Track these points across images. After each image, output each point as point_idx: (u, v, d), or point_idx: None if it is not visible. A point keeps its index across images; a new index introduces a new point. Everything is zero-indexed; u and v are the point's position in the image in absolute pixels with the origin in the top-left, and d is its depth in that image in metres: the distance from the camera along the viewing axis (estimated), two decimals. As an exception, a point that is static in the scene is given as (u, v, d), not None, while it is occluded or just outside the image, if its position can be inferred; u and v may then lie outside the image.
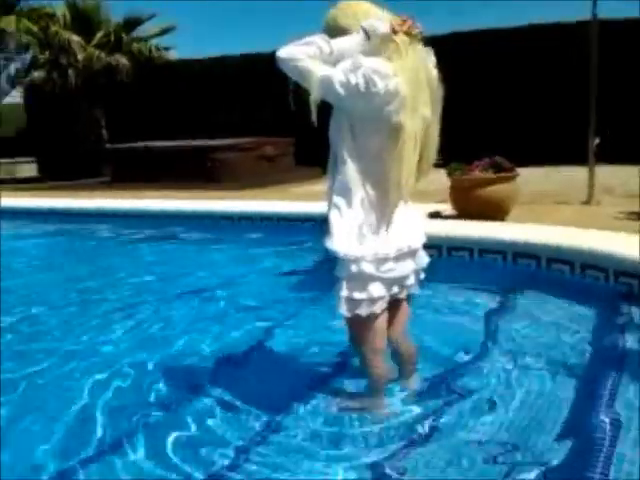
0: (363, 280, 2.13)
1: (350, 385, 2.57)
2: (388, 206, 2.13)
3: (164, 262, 5.33)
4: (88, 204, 7.78)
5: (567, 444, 2.06)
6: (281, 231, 5.91)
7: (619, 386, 2.40)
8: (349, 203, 2.11)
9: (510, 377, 2.61)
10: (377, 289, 2.15)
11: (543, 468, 1.93)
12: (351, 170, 2.10)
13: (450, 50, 12.14)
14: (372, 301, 2.17)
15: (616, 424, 2.04)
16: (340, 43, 2.05)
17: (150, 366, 2.93)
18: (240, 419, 2.38)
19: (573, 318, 3.27)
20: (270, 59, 2.00)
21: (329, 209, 2.17)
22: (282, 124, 11.75)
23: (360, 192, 2.11)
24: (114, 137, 13.49)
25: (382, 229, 2.14)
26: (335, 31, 2.11)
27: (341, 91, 2.00)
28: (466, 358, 2.83)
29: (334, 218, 2.13)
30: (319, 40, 2.01)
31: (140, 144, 11.66)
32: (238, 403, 2.48)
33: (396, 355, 2.46)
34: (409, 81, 2.01)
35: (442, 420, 2.28)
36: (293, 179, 10.23)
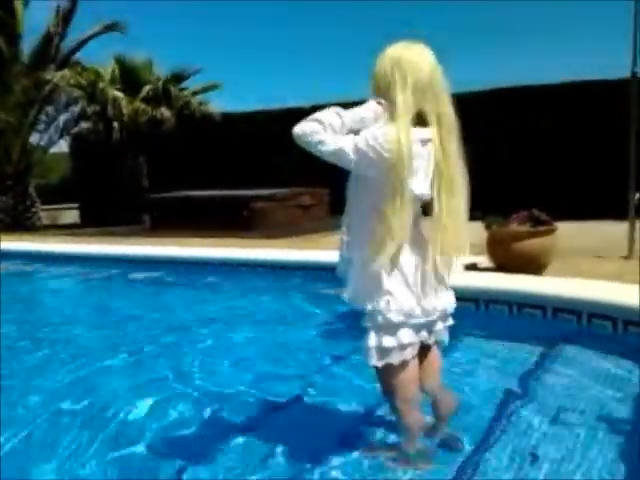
0: (391, 327, 2.14)
1: (386, 437, 2.54)
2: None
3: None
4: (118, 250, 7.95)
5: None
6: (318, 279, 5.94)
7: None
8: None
9: (551, 431, 2.56)
10: (406, 335, 2.15)
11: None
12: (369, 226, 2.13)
13: (491, 105, 12.41)
14: (402, 347, 2.16)
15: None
16: (353, 114, 2.08)
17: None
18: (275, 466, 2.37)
19: (616, 373, 3.20)
20: (308, 113, 2.07)
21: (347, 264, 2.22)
22: (318, 175, 12.02)
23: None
24: (156, 186, 13.86)
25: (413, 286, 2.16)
26: (381, 87, 2.17)
27: (354, 158, 2.05)
28: (506, 411, 2.78)
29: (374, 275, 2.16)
30: (329, 115, 2.04)
31: (180, 193, 11.97)
32: (273, 455, 2.47)
33: (435, 405, 2.43)
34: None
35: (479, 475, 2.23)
36: (327, 228, 10.35)
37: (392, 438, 2.48)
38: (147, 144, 14.42)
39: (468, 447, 2.44)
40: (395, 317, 2.12)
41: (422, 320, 2.17)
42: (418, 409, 2.32)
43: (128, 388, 3.30)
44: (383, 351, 2.16)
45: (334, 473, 2.30)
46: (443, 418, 2.45)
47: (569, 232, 7.17)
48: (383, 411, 2.69)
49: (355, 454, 2.43)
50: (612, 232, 6.92)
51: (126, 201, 13.95)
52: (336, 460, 2.39)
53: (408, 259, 2.15)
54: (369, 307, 2.15)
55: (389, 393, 2.31)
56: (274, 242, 8.66)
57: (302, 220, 10.94)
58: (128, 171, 14.40)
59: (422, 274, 2.17)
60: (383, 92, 2.12)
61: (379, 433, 2.62)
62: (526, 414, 2.76)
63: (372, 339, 2.16)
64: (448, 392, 2.46)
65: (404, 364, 2.19)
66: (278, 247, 7.65)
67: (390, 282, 2.12)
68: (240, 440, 2.62)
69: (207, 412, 2.96)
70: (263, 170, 13.92)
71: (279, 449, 2.50)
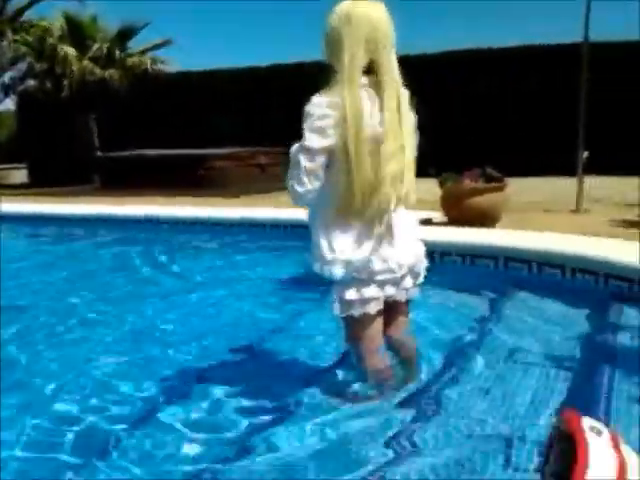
0: (353, 282, 2.20)
1: (348, 381, 2.63)
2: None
3: (158, 266, 5.38)
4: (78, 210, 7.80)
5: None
6: (282, 236, 5.98)
7: (613, 381, 2.50)
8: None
9: (502, 371, 2.70)
10: (369, 290, 2.22)
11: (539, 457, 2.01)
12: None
13: (445, 66, 12.51)
14: (364, 302, 2.24)
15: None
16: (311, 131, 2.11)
17: (150, 362, 2.99)
18: (243, 414, 2.44)
19: (564, 317, 3.36)
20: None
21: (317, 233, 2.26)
22: (275, 134, 11.94)
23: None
24: (108, 146, 13.53)
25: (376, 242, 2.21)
26: (330, 44, 2.17)
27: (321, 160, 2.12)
28: (460, 354, 2.91)
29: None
30: (299, 161, 2.12)
31: (132, 152, 11.72)
32: (241, 398, 2.54)
33: (396, 356, 2.53)
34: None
35: (441, 414, 2.33)
36: (283, 188, 10.33)
37: (353, 382, 2.56)
38: (98, 102, 14.00)
39: (423, 386, 2.54)
40: (350, 272, 2.18)
41: (387, 276, 2.23)
42: (380, 355, 2.41)
43: (85, 345, 3.29)
44: (345, 304, 2.24)
45: (296, 417, 2.37)
46: (407, 364, 2.56)
47: (521, 188, 7.39)
48: (346, 357, 2.76)
49: (317, 398, 2.51)
50: (562, 188, 7.15)
51: (76, 160, 13.58)
52: (298, 404, 2.46)
53: (360, 215, 2.18)
54: (323, 265, 2.20)
55: (351, 341, 2.39)
56: (231, 201, 8.62)
57: (259, 179, 10.89)
58: (77, 130, 13.98)
59: (377, 229, 2.22)
60: (332, 49, 2.15)
61: (341, 377, 2.70)
62: (479, 356, 2.88)
63: (336, 291, 2.24)
64: (411, 340, 2.56)
65: (367, 317, 2.27)
66: (235, 206, 7.62)
67: (343, 239, 2.17)
68: (205, 386, 2.67)
69: (172, 358, 3.03)
70: (219, 129, 13.73)
71: (242, 394, 2.57)
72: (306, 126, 2.09)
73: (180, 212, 6.98)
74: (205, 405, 2.51)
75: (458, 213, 5.53)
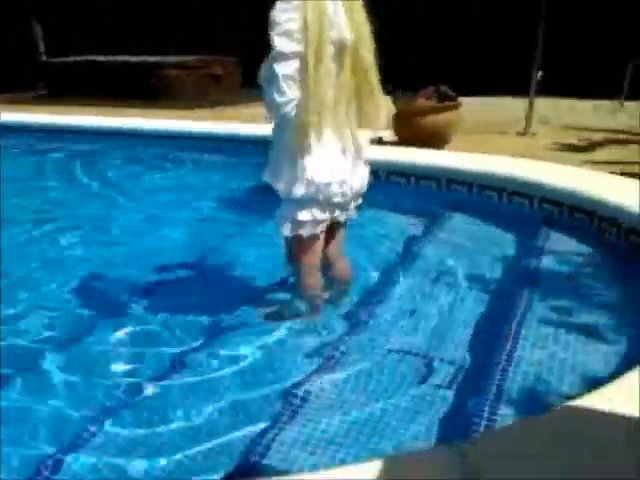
0: (307, 203, 2.24)
1: (286, 298, 2.74)
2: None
3: (100, 180, 5.30)
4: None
5: (477, 349, 2.30)
6: (232, 151, 5.91)
7: (530, 301, 2.66)
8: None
9: (432, 292, 2.84)
10: (320, 212, 2.28)
11: (453, 370, 2.17)
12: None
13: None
14: (315, 223, 2.30)
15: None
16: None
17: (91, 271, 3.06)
18: (181, 326, 2.53)
19: (497, 240, 3.50)
20: None
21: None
22: (229, 42, 11.57)
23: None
24: (54, 51, 12.83)
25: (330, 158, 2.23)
26: None
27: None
28: (394, 275, 3.02)
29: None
30: (274, 69, 2.08)
31: (79, 58, 11.19)
32: (179, 311, 2.63)
33: (331, 274, 2.61)
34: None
35: (367, 335, 2.46)
36: (240, 100, 10.08)
37: (290, 300, 2.67)
38: (42, 4, 13.16)
39: (354, 305, 2.67)
40: (311, 193, 2.22)
41: (339, 199, 2.28)
42: (318, 274, 2.51)
43: (22, 263, 3.30)
44: (297, 224, 2.28)
45: (230, 335, 2.47)
46: (339, 284, 2.66)
47: (475, 107, 7.39)
48: (284, 274, 2.86)
49: (252, 315, 2.61)
50: (515, 108, 7.18)
51: (16, 65, 12.86)
52: (233, 322, 2.56)
53: (327, 136, 2.20)
54: (284, 182, 2.23)
55: (294, 260, 2.47)
56: (184, 113, 8.40)
57: (212, 91, 10.57)
58: (18, 32, 13.18)
59: (341, 151, 2.25)
60: None
61: (278, 296, 2.80)
62: (410, 276, 3.02)
63: (287, 211, 2.28)
64: (344, 261, 2.65)
65: (314, 237, 2.34)
66: (188, 118, 7.45)
67: (307, 159, 2.19)
68: (140, 304, 2.75)
69: (109, 275, 3.10)
70: (173, 34, 13.12)
71: (178, 312, 2.65)
72: (274, 33, 2.06)
73: (128, 123, 6.78)
74: (141, 324, 2.58)
75: (409, 133, 5.53)
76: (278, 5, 2.07)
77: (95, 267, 3.21)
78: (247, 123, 6.43)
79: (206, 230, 3.83)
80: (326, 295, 2.61)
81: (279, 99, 2.09)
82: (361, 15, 2.18)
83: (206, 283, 3.03)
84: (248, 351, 2.33)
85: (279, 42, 2.06)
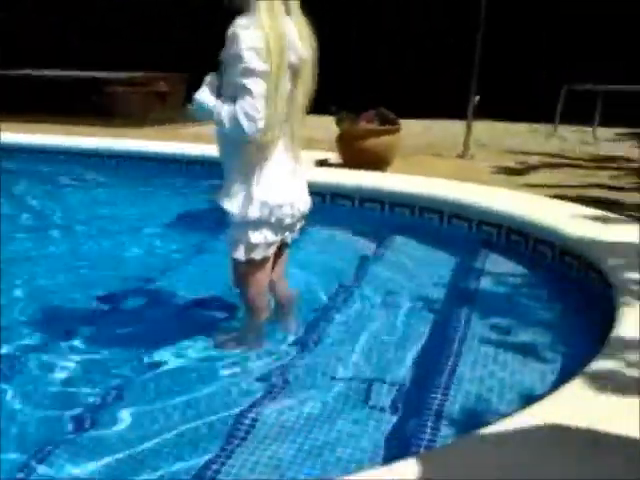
0: (260, 225, 2.25)
1: (234, 325, 2.73)
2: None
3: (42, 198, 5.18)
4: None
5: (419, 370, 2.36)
6: (173, 173, 5.88)
7: (470, 322, 2.75)
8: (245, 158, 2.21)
9: (375, 314, 2.89)
10: (272, 234, 2.30)
11: (397, 391, 2.22)
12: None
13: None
14: (268, 245, 2.32)
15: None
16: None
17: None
18: (124, 354, 2.49)
19: (438, 262, 3.60)
20: None
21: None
22: (173, 58, 11.51)
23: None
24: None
25: (278, 180, 2.26)
26: None
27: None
28: (339, 297, 3.07)
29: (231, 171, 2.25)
30: (245, 85, 2.07)
31: (19, 71, 10.92)
32: (121, 341, 2.60)
33: (276, 297, 2.63)
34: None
35: (312, 359, 2.47)
36: (185, 118, 10.02)
37: (237, 325, 2.68)
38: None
39: (302, 329, 2.69)
40: (265, 215, 2.23)
41: (290, 221, 2.31)
42: (266, 297, 2.52)
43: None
44: (250, 246, 2.28)
45: (176, 361, 2.45)
46: (284, 306, 2.68)
47: (416, 130, 7.61)
48: (232, 300, 2.85)
49: (201, 340, 2.60)
50: (454, 131, 7.41)
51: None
52: (178, 347, 2.53)
53: (280, 156, 2.24)
54: (238, 204, 2.23)
55: (243, 284, 2.46)
56: (129, 131, 8.30)
57: (158, 108, 10.47)
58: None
59: (291, 171, 2.29)
60: None
61: (226, 320, 2.80)
62: (355, 298, 3.06)
63: (240, 233, 2.27)
64: (286, 284, 2.67)
65: (265, 260, 2.35)
66: (134, 137, 7.35)
67: (261, 181, 2.21)
68: (85, 327, 2.70)
69: (55, 295, 3.04)
70: (117, 49, 12.92)
71: (123, 337, 2.62)
72: (243, 48, 2.05)
73: (67, 142, 6.65)
74: (84, 346, 2.53)
75: (353, 155, 5.64)
76: (239, 21, 2.08)
77: (39, 282, 3.13)
78: (191, 142, 6.43)
79: (153, 253, 3.79)
80: (273, 318, 2.63)
81: (256, 115, 2.07)
82: (309, 32, 2.22)
83: (152, 309, 2.99)
84: (194, 379, 2.32)
85: (249, 58, 2.05)
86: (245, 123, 2.06)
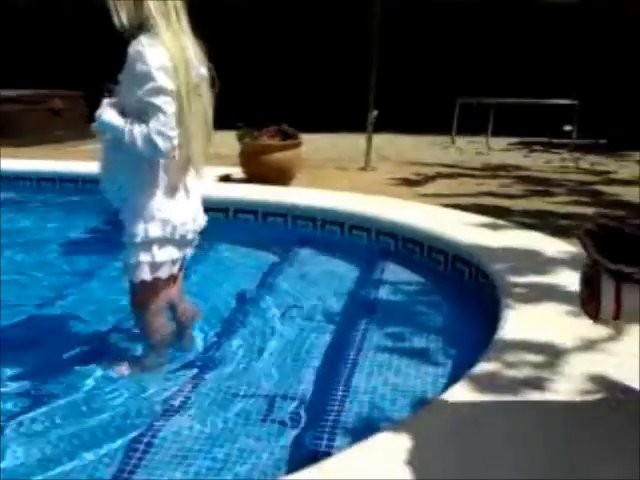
0: (165, 242, 2.22)
1: (132, 349, 2.66)
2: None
3: None
4: None
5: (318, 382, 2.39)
6: (65, 192, 5.67)
7: (367, 331, 2.82)
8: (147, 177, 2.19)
9: (276, 328, 2.90)
10: (176, 250, 2.27)
11: (296, 405, 2.24)
12: None
13: (247, 13, 12.35)
14: (173, 262, 2.29)
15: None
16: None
17: None
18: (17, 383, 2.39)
19: (340, 273, 3.67)
20: None
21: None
22: (70, 75, 11.15)
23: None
24: None
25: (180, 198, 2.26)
26: None
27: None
28: (242, 313, 3.06)
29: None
30: (155, 103, 2.05)
31: None
32: (17, 369, 2.48)
33: (176, 315, 2.59)
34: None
35: (213, 377, 2.45)
36: (84, 136, 9.70)
37: (137, 349, 2.61)
38: None
39: (203, 346, 2.67)
40: (168, 233, 2.20)
41: (191, 236, 2.30)
42: (166, 319, 2.48)
43: None
44: (156, 265, 2.24)
45: (74, 388, 2.36)
46: (185, 325, 2.64)
47: (321, 143, 7.74)
48: (129, 323, 2.77)
49: (99, 367, 2.51)
50: (357, 144, 7.59)
51: None
52: (81, 376, 2.44)
53: (178, 173, 2.22)
54: (140, 224, 2.18)
55: (144, 306, 2.39)
56: (23, 151, 7.93)
57: (53, 126, 10.09)
58: None
59: (187, 189, 2.27)
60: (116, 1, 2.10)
61: (124, 345, 2.73)
62: (259, 314, 3.07)
63: (144, 254, 2.21)
64: (186, 300, 2.65)
65: (170, 278, 2.32)
66: (28, 157, 7.04)
67: (165, 198, 2.19)
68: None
69: None
70: (9, 66, 12.36)
71: (19, 364, 2.50)
72: (152, 67, 2.02)
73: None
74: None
75: (256, 170, 5.67)
76: (143, 40, 2.06)
77: None
78: (89, 161, 6.22)
79: (43, 277, 3.63)
80: (173, 338, 2.59)
81: (170, 133, 2.05)
82: (200, 50, 2.23)
83: (46, 335, 2.86)
84: (90, 407, 2.24)
85: (160, 77, 2.03)
86: (160, 142, 2.04)
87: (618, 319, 1.56)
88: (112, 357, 2.60)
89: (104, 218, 4.29)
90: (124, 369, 2.49)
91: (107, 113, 2.14)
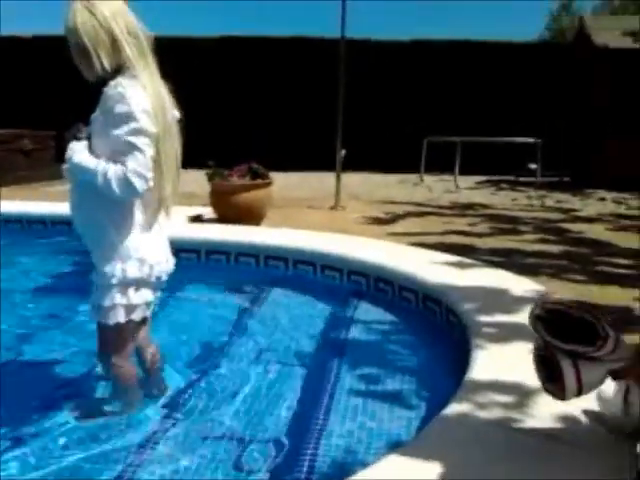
0: (140, 284, 2.20)
1: (99, 393, 2.62)
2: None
3: None
4: None
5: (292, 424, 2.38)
6: (33, 233, 5.60)
7: (340, 373, 2.81)
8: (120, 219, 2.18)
9: (251, 371, 2.88)
10: (150, 292, 2.25)
11: (269, 450, 2.21)
12: None
13: (217, 55, 12.55)
14: (147, 304, 2.27)
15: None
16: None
17: None
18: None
19: (312, 314, 3.68)
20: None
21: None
22: (42, 115, 11.13)
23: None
24: None
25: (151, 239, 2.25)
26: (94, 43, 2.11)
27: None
28: (214, 356, 3.04)
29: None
30: (136, 144, 2.05)
31: None
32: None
33: (144, 359, 2.54)
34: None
35: (182, 421, 2.41)
36: (51, 176, 9.64)
37: (104, 394, 2.57)
38: None
39: (172, 391, 2.63)
40: (145, 274, 2.18)
41: (164, 278, 2.28)
42: (133, 363, 2.44)
43: None
44: (130, 308, 2.21)
45: (37, 439, 2.29)
46: (152, 369, 2.60)
47: (292, 182, 7.80)
48: (96, 368, 2.72)
49: (63, 413, 2.46)
50: (328, 183, 7.67)
51: None
52: (40, 423, 2.38)
53: (151, 214, 2.22)
54: (117, 263, 2.16)
55: (113, 349, 2.33)
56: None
57: (23, 166, 10.00)
58: None
59: (160, 229, 2.28)
60: (99, 40, 2.09)
61: (90, 391, 2.68)
62: (232, 356, 3.04)
63: (119, 296, 2.18)
64: (153, 345, 2.61)
65: (143, 321, 2.30)
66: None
67: (140, 239, 2.18)
68: None
69: None
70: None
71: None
72: (133, 107, 2.02)
73: None
74: None
75: (226, 210, 5.69)
76: (122, 82, 2.07)
77: None
78: (59, 201, 6.17)
79: (10, 321, 3.56)
80: (141, 382, 2.55)
81: (148, 175, 2.05)
82: (168, 92, 2.25)
83: (11, 380, 2.80)
84: (56, 454, 2.19)
85: (142, 119, 2.04)
86: (137, 182, 2.03)
87: (581, 395, 1.66)
88: (78, 403, 2.54)
89: (71, 260, 4.25)
90: (90, 415, 2.43)
91: (78, 155, 2.13)
